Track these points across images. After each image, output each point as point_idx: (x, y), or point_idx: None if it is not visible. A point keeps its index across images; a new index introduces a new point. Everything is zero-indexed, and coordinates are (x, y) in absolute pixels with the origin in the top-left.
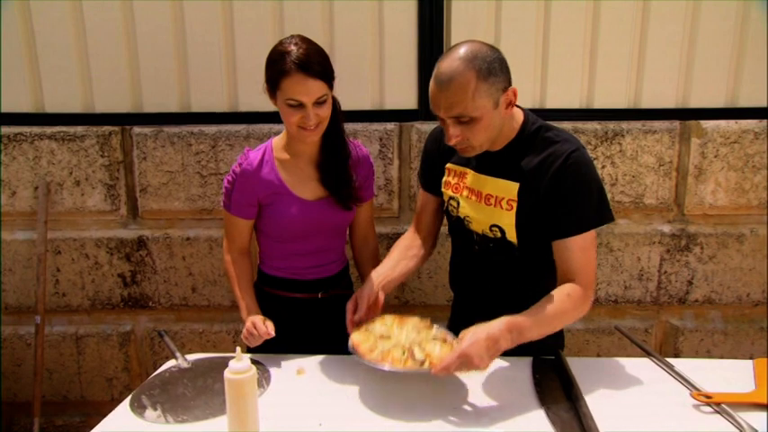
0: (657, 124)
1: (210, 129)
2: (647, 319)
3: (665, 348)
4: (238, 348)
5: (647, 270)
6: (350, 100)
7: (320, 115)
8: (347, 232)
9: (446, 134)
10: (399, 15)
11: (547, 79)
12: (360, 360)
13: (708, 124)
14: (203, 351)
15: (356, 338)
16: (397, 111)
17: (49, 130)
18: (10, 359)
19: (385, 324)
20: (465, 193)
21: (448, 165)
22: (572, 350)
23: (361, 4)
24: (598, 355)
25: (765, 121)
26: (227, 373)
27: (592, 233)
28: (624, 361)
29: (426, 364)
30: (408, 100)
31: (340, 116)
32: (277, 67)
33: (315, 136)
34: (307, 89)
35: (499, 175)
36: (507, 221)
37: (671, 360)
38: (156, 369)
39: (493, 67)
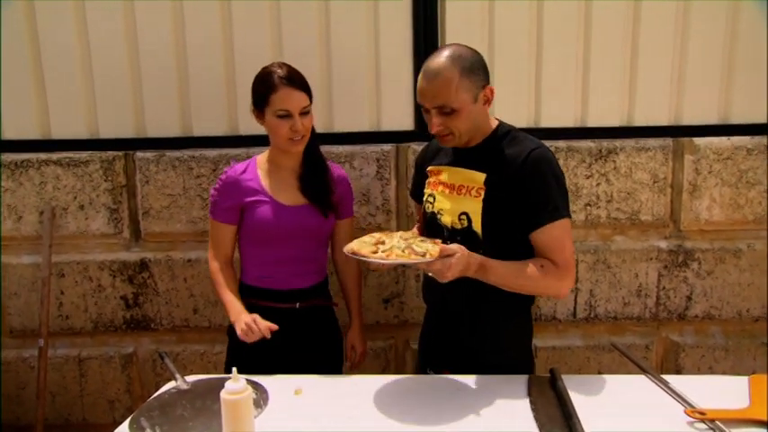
0: (651, 141)
1: (211, 152)
2: (648, 335)
3: (666, 365)
4: (234, 369)
5: (645, 286)
6: (347, 122)
7: (305, 125)
8: (328, 249)
9: (429, 123)
10: (395, 39)
11: (541, 100)
12: (365, 260)
13: (700, 141)
14: (205, 372)
15: (353, 246)
16: (394, 132)
17: (54, 156)
18: (14, 382)
19: (375, 237)
20: (440, 188)
21: (428, 168)
22: (572, 368)
23: (357, 28)
24: (599, 373)
25: (759, 137)
26: (223, 394)
27: (564, 222)
28: (621, 378)
29: (427, 256)
30: (405, 121)
31: (315, 134)
32: (265, 86)
33: (301, 146)
34: (293, 99)
35: (470, 167)
36: (474, 208)
37: (667, 377)
38: (157, 391)
39: (474, 67)
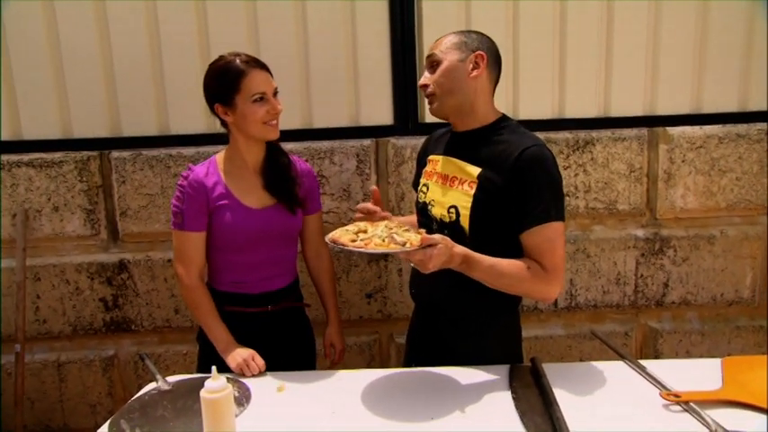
0: (626, 132)
1: (189, 150)
2: (627, 322)
3: (645, 351)
4: (214, 368)
5: (623, 274)
6: (326, 117)
7: (279, 107)
8: (297, 246)
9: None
10: (372, 34)
11: (519, 91)
12: (343, 249)
13: (674, 131)
14: (187, 373)
15: (335, 235)
16: (374, 127)
17: (26, 157)
18: None
19: (358, 226)
20: (435, 178)
21: (428, 157)
22: (555, 356)
23: (334, 24)
24: (580, 360)
25: (729, 125)
26: (203, 393)
27: (556, 226)
28: (600, 365)
29: (407, 246)
30: (384, 116)
31: None
32: (231, 74)
33: (277, 131)
34: (265, 80)
35: (464, 159)
36: (464, 203)
37: (644, 362)
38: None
39: (473, 36)
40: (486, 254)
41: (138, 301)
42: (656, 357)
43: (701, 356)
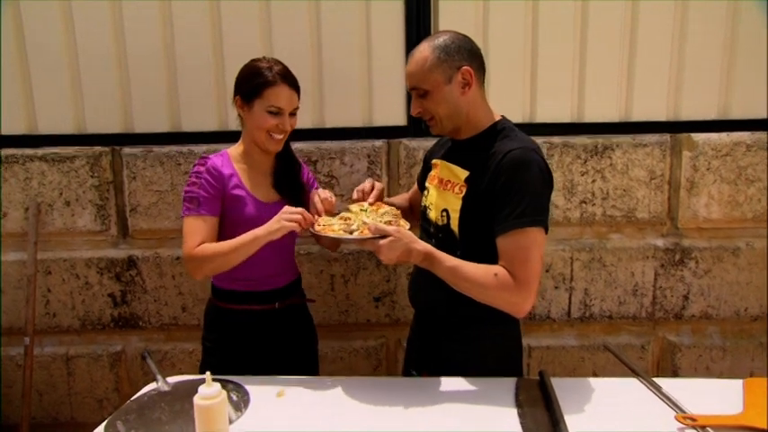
0: (648, 137)
1: (200, 148)
2: (644, 335)
3: (662, 365)
4: (208, 373)
5: (641, 285)
6: (338, 117)
7: (291, 124)
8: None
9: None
10: (387, 34)
11: (536, 94)
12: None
13: (699, 137)
14: (193, 371)
15: (322, 219)
16: (386, 127)
17: (40, 151)
18: (1, 381)
19: (351, 211)
20: (435, 182)
21: (432, 160)
22: (567, 368)
23: (348, 23)
24: (594, 373)
25: (759, 133)
26: (196, 399)
27: (532, 233)
28: (612, 381)
29: (356, 234)
30: (397, 117)
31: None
32: (260, 79)
33: (279, 145)
34: (288, 98)
35: (457, 163)
36: (454, 206)
37: (660, 380)
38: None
39: (451, 48)
40: (476, 259)
41: (146, 298)
42: (674, 372)
43: (722, 373)
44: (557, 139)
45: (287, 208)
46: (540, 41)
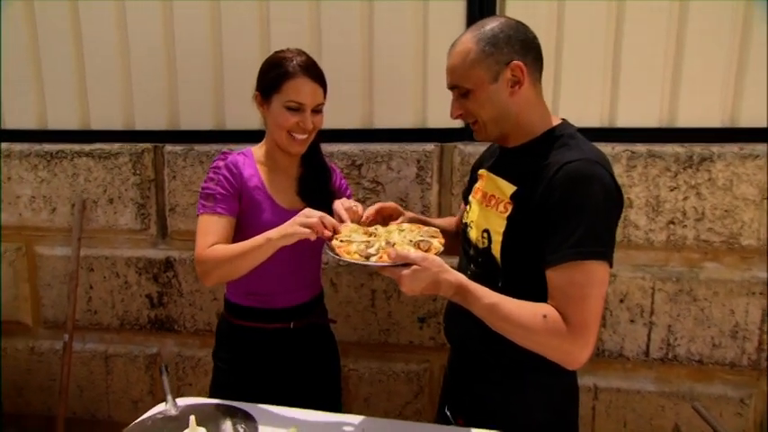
0: (759, 147)
1: (241, 147)
2: (744, 386)
3: (766, 425)
4: (192, 418)
5: (743, 326)
6: (389, 117)
7: (315, 123)
8: (322, 258)
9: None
10: (446, 34)
11: (618, 94)
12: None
13: None
14: None
15: (346, 229)
16: (440, 129)
17: (87, 147)
18: (46, 373)
19: (379, 228)
20: (478, 195)
21: (479, 170)
22: (642, 416)
23: (404, 22)
24: (676, 426)
25: None
26: None
27: (592, 267)
28: None
29: (372, 260)
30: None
31: (318, 136)
32: (279, 71)
33: (302, 147)
34: (309, 92)
35: (503, 175)
36: (497, 227)
37: None
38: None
39: (498, 39)
40: (521, 293)
41: (182, 302)
42: None
43: None
44: (640, 147)
45: (306, 210)
46: (625, 36)
